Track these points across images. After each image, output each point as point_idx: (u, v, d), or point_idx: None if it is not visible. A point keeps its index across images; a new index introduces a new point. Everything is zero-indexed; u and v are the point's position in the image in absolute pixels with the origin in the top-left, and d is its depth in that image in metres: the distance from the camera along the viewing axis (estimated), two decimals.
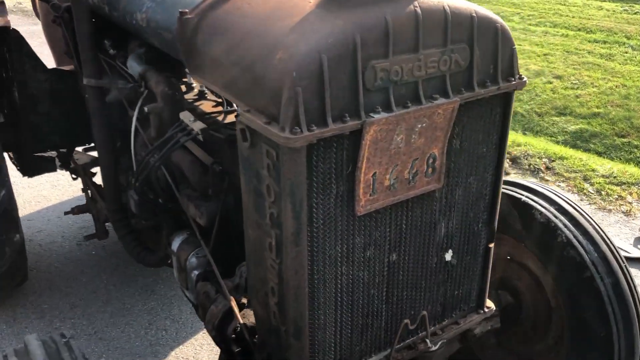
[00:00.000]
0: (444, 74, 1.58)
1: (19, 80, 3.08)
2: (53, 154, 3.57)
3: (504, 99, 1.77)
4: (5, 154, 3.60)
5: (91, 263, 3.84)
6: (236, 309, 1.87)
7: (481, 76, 1.67)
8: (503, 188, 2.50)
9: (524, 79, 1.75)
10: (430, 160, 1.66)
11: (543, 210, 2.38)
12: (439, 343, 1.95)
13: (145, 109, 2.23)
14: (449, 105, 1.59)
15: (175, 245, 2.29)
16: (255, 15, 1.65)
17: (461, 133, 1.73)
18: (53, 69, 3.21)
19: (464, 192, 1.84)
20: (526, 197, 2.45)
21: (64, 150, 3.50)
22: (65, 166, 3.61)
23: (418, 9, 1.48)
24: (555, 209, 2.37)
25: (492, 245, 2.01)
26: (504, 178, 2.64)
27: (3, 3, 2.76)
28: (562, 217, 2.35)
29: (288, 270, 1.54)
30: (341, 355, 1.77)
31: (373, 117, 1.47)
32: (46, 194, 4.69)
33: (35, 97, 3.16)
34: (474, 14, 1.59)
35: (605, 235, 2.32)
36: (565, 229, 2.30)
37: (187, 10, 1.79)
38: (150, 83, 2.29)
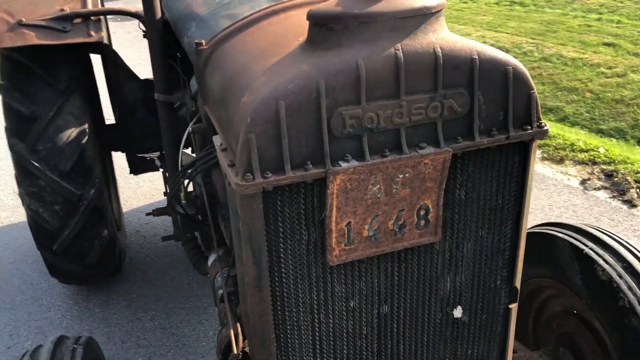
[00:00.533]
0: (435, 121, 1.44)
1: (115, 89, 3.37)
2: (155, 154, 3.85)
3: (522, 148, 1.57)
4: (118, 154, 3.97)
5: (182, 259, 4.09)
6: (238, 337, 1.87)
7: (487, 124, 1.49)
8: (565, 234, 2.24)
9: (545, 127, 1.54)
10: (422, 212, 1.53)
11: (606, 266, 2.09)
12: None
13: (190, 128, 2.31)
14: (438, 155, 1.45)
15: (209, 261, 2.36)
16: (250, 51, 1.63)
17: (466, 183, 1.57)
18: (145, 80, 3.45)
19: (474, 246, 1.67)
20: (590, 248, 2.17)
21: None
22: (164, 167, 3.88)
23: (400, 53, 1.36)
24: (622, 267, 2.07)
25: (513, 305, 1.80)
26: (569, 222, 2.36)
27: (99, 20, 3.01)
28: (627, 278, 2.04)
29: (252, 314, 1.52)
30: None
31: (339, 165, 1.38)
32: (161, 188, 5.07)
33: (132, 104, 3.42)
34: (475, 56, 1.42)
35: None
36: (629, 292, 2.00)
37: (202, 42, 1.82)
38: (199, 103, 2.37)
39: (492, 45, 9.37)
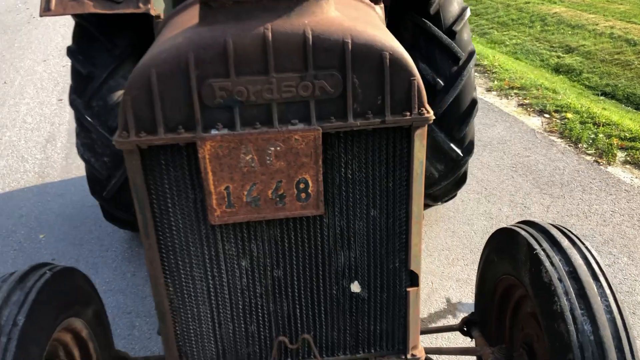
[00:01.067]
0: (307, 100, 1.52)
1: None
2: None
3: (406, 134, 1.60)
4: None
5: None
6: None
7: (363, 107, 1.54)
8: (527, 232, 2.18)
9: (426, 115, 1.55)
10: (302, 186, 1.62)
11: (550, 269, 2.02)
12: None
13: None
14: (308, 132, 1.53)
15: None
16: (179, 26, 1.80)
17: (352, 163, 1.63)
18: None
19: (367, 225, 1.72)
20: (544, 249, 2.10)
21: None
22: None
23: (268, 32, 1.46)
24: (566, 271, 1.99)
25: (412, 289, 1.82)
26: (534, 219, 2.28)
27: None
28: (567, 282, 1.96)
29: (145, 260, 1.71)
30: (223, 349, 1.87)
31: (209, 132, 1.52)
32: None
33: None
34: (348, 40, 1.48)
35: (622, 316, 1.87)
36: (563, 297, 1.93)
37: (160, 14, 2.02)
38: None
39: (618, 36, 8.70)
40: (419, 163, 1.63)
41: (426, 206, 4.14)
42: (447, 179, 3.74)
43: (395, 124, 1.55)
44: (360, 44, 1.49)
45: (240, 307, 1.81)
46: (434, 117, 1.57)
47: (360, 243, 1.75)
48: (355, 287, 1.81)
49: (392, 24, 3.33)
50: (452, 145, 3.52)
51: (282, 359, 1.88)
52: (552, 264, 2.01)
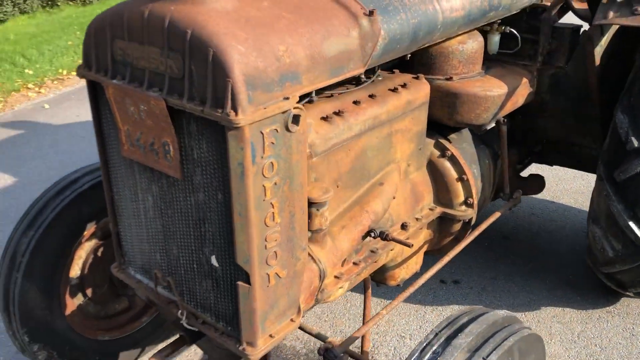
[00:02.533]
0: (163, 74, 1.76)
1: None
2: None
3: (221, 131, 1.66)
4: None
5: None
6: None
7: (198, 93, 1.68)
8: None
9: (232, 118, 1.58)
10: (166, 147, 1.87)
11: None
12: (191, 326, 2.10)
13: None
14: (157, 101, 1.77)
15: None
16: None
17: (198, 144, 1.79)
18: None
19: (218, 205, 1.85)
20: None
21: None
22: None
23: (147, 10, 1.75)
24: None
25: (241, 284, 1.86)
26: None
27: None
28: None
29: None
30: (142, 263, 2.29)
31: (110, 80, 1.92)
32: None
33: None
34: (189, 31, 1.64)
35: None
36: None
37: None
38: None
39: None
40: (237, 164, 1.68)
41: (614, 292, 3.42)
42: (626, 264, 3.06)
43: (209, 116, 1.65)
44: (196, 36, 1.63)
45: (145, 234, 2.19)
46: (241, 124, 1.59)
47: (215, 220, 1.88)
48: (214, 261, 1.97)
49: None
50: (631, 224, 2.87)
51: (158, 287, 2.19)
52: None
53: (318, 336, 2.66)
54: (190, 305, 2.14)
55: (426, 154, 3.00)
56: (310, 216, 2.25)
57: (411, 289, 2.83)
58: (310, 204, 2.22)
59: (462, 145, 3.18)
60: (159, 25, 1.72)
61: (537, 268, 3.94)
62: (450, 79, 2.91)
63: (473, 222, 3.15)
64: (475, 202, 3.06)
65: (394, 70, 2.91)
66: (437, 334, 1.79)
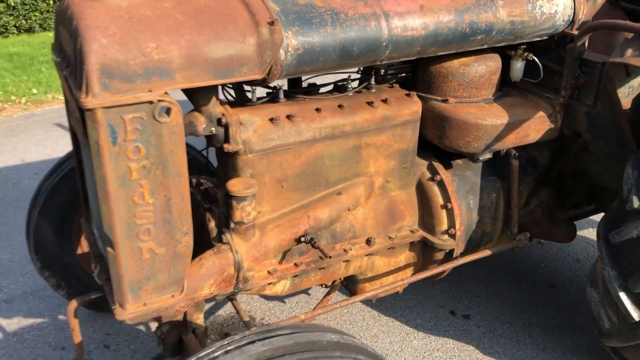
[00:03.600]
0: (70, 57, 2.03)
1: None
2: None
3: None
4: None
5: None
6: None
7: (77, 77, 1.91)
8: None
9: (83, 100, 1.80)
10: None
11: None
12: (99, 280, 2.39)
13: None
14: (63, 81, 2.06)
15: None
16: None
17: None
18: None
19: (91, 176, 2.09)
20: None
21: None
22: None
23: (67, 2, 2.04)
24: None
25: (109, 250, 2.08)
26: None
27: None
28: None
29: None
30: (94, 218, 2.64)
31: (55, 58, 2.25)
32: None
33: None
34: (74, 22, 1.88)
35: None
36: None
37: None
38: None
39: None
40: (94, 142, 1.89)
41: None
42: (622, 340, 2.75)
43: (76, 98, 1.88)
44: (76, 26, 1.85)
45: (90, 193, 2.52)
46: (91, 107, 1.80)
47: (93, 190, 2.12)
48: (93, 227, 2.22)
49: None
50: (622, 295, 2.57)
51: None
52: None
53: (246, 323, 2.78)
54: (100, 263, 2.43)
55: (416, 174, 2.92)
56: (231, 208, 2.40)
57: (357, 298, 2.84)
58: (231, 196, 2.37)
59: (463, 173, 3.02)
60: (68, 13, 2.00)
61: (565, 324, 3.54)
62: (445, 100, 2.79)
63: (456, 253, 2.98)
64: (459, 233, 2.90)
65: (393, 84, 2.88)
66: (243, 337, 1.84)
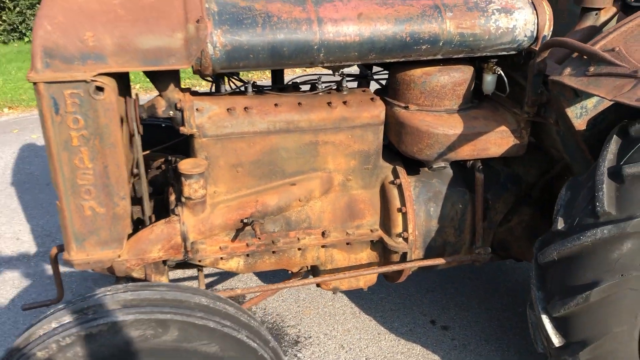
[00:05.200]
0: None
1: None
2: None
3: None
4: None
5: None
6: None
7: None
8: None
9: (29, 76, 2.21)
10: None
11: None
12: None
13: None
14: None
15: None
16: None
17: None
18: None
19: None
20: None
21: None
22: None
23: None
24: None
25: (57, 202, 2.48)
26: None
27: None
28: None
29: None
30: None
31: None
32: None
33: None
34: (38, 12, 2.32)
35: None
36: None
37: None
38: None
39: None
40: (39, 110, 2.30)
41: None
42: None
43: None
44: (36, 15, 2.30)
45: None
46: (34, 81, 2.21)
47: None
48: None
49: None
50: (545, 319, 2.55)
51: None
52: None
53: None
54: None
55: (380, 176, 3.05)
56: (181, 184, 2.72)
57: (280, 286, 3.02)
58: (180, 174, 2.69)
59: (429, 180, 3.08)
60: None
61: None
62: (406, 107, 2.89)
63: (409, 257, 3.05)
64: (412, 237, 2.98)
65: (365, 88, 3.04)
66: (125, 287, 2.13)
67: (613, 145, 2.31)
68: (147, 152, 3.18)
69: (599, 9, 2.96)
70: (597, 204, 2.22)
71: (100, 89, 2.30)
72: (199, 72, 2.48)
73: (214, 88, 2.92)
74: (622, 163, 2.24)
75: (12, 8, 10.09)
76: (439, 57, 2.74)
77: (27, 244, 4.46)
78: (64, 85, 2.27)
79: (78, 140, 2.37)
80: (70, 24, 2.26)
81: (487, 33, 2.66)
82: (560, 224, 2.39)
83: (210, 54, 2.41)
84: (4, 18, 9.97)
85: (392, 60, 2.73)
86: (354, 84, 3.33)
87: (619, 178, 2.21)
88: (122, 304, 2.03)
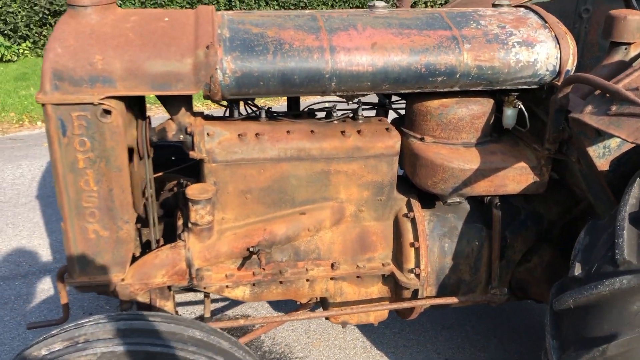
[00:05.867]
0: None
1: None
2: None
3: None
4: None
5: None
6: None
7: None
8: None
9: (38, 98, 2.21)
10: None
11: None
12: None
13: None
14: None
15: None
16: None
17: None
18: None
19: None
20: None
21: None
22: None
23: None
24: None
25: (62, 223, 2.46)
26: None
27: None
28: None
29: None
30: None
31: None
32: None
33: None
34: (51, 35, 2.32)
35: None
36: None
37: None
38: None
39: None
40: (47, 131, 2.30)
41: None
42: None
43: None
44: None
45: None
46: (43, 102, 2.21)
47: None
48: None
49: None
50: None
51: None
52: None
53: (203, 318, 3.02)
54: None
55: (394, 208, 2.96)
56: (188, 209, 2.68)
57: (285, 318, 2.93)
58: (188, 199, 2.66)
59: (445, 215, 2.98)
60: None
61: None
62: (422, 139, 2.81)
63: (421, 294, 2.94)
64: (424, 274, 2.88)
65: (381, 118, 2.97)
66: (119, 314, 2.09)
67: (636, 190, 2.18)
68: (161, 173, 3.16)
69: (629, 44, 2.83)
70: (617, 251, 2.09)
71: (107, 112, 2.29)
72: (209, 97, 2.45)
73: (228, 112, 2.88)
74: None
75: (53, 24, 10.38)
76: (457, 89, 2.65)
77: (45, 259, 4.48)
78: (71, 107, 2.26)
79: (84, 163, 2.36)
80: (80, 47, 2.26)
81: (506, 66, 2.57)
82: (577, 270, 2.26)
83: (219, 80, 2.38)
84: (44, 33, 10.23)
85: (407, 91, 2.66)
86: (373, 112, 3.26)
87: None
88: (113, 334, 1.99)
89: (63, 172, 2.35)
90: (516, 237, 3.03)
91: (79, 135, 2.31)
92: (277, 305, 3.93)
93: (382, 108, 3.22)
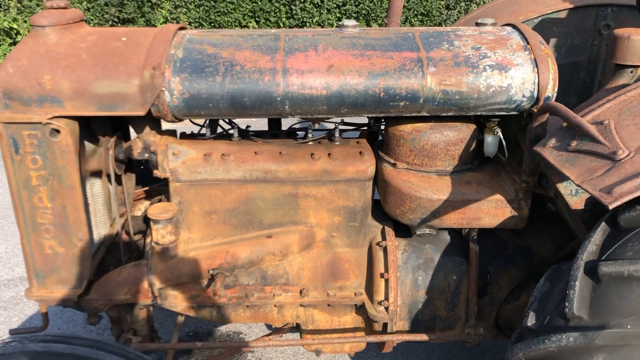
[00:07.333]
0: None
1: None
2: None
3: None
4: None
5: None
6: None
7: None
8: None
9: None
10: None
11: None
12: None
13: None
14: None
15: None
16: None
17: None
18: None
19: None
20: None
21: None
22: None
23: None
24: None
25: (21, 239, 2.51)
26: None
27: None
28: None
29: None
30: None
31: None
32: None
33: None
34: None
35: None
36: None
37: None
38: None
39: None
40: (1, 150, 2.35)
41: None
42: None
43: None
44: None
45: None
46: None
47: None
48: None
49: None
50: None
51: None
52: None
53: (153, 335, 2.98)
54: None
55: (368, 235, 2.83)
56: (150, 229, 2.67)
57: (247, 345, 2.84)
58: (149, 219, 2.65)
59: (421, 246, 2.81)
60: None
61: None
62: (394, 165, 2.66)
63: (390, 329, 2.78)
64: (393, 307, 2.72)
65: (360, 139, 2.85)
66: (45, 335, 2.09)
67: (598, 235, 1.95)
68: (147, 188, 3.17)
69: (635, 67, 2.55)
70: (567, 304, 1.87)
71: (57, 131, 2.30)
72: (161, 117, 2.42)
73: (208, 130, 2.83)
74: (602, 258, 1.87)
75: None
76: (425, 114, 2.48)
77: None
78: (22, 126, 2.29)
79: (37, 180, 2.39)
80: (31, 67, 2.28)
81: (475, 91, 2.37)
82: (530, 320, 2.05)
83: (167, 101, 2.34)
84: None
85: (372, 115, 2.52)
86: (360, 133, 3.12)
87: (595, 276, 1.85)
88: (30, 356, 1.98)
89: (17, 189, 2.40)
90: (501, 273, 2.81)
91: (31, 154, 2.34)
92: (258, 325, 3.85)
93: (371, 129, 3.08)
